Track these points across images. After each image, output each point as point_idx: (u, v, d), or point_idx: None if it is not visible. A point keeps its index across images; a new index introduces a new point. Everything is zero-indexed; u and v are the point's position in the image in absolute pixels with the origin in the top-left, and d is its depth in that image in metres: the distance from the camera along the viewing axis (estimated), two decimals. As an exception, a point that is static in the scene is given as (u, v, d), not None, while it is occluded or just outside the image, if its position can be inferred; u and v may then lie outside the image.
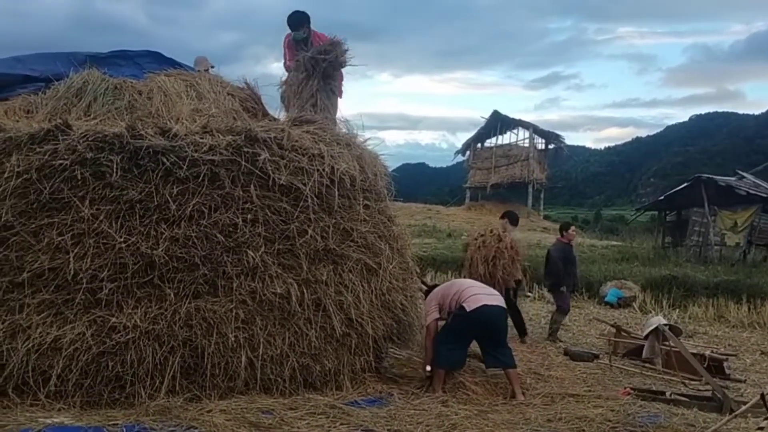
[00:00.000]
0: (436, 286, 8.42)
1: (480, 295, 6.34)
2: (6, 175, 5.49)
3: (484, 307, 6.20)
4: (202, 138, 5.86)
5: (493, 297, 6.43)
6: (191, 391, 5.34)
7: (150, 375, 5.25)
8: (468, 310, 6.20)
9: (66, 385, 5.10)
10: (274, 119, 7.42)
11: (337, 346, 5.98)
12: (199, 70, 8.43)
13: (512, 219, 10.00)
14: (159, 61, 8.10)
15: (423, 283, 8.25)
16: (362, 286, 6.22)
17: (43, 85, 7.23)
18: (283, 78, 8.16)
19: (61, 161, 5.51)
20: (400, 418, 5.26)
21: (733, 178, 22.48)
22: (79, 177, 5.52)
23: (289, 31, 8.12)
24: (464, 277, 8.44)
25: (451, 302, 6.39)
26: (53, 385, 5.07)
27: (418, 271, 8.15)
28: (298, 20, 7.98)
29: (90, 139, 5.63)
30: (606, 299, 14.24)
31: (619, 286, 14.56)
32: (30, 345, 5.09)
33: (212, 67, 8.54)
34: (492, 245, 8.99)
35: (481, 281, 7.56)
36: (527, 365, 7.47)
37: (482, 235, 9.27)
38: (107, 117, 6.55)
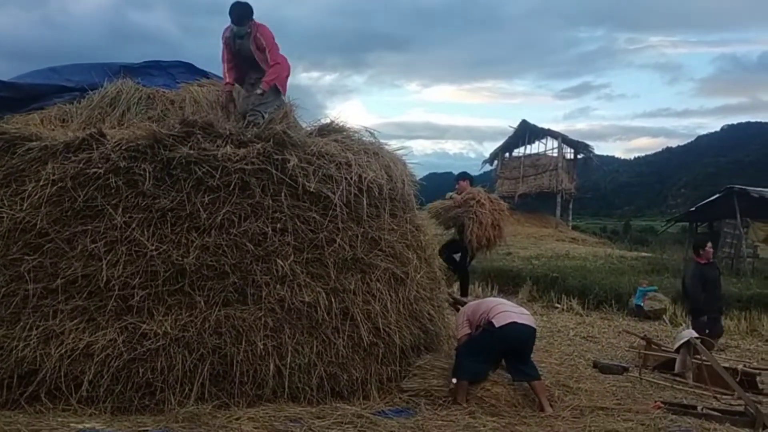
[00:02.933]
0: (462, 301, 8.44)
1: (509, 312, 6.30)
2: (41, 183, 5.61)
3: (513, 324, 6.17)
4: (234, 148, 5.91)
5: (523, 316, 6.37)
6: (220, 398, 5.38)
7: (180, 382, 5.31)
8: (496, 326, 6.16)
9: (97, 391, 5.17)
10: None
11: (364, 356, 5.98)
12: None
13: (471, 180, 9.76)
14: (191, 71, 8.20)
15: (449, 294, 8.24)
16: (390, 295, 6.23)
17: (78, 95, 7.36)
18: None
19: (95, 170, 5.63)
20: (427, 428, 5.25)
21: (766, 190, 22.08)
22: (112, 185, 5.62)
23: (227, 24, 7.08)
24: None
25: (480, 318, 6.38)
26: (85, 391, 5.15)
27: (445, 281, 8.14)
28: (243, 14, 6.90)
29: (123, 148, 5.73)
30: (635, 302, 14.09)
31: (644, 285, 14.49)
32: (63, 351, 5.18)
33: None
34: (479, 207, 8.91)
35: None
36: (555, 377, 7.40)
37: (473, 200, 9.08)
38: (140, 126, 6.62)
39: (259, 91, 6.85)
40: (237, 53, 7.09)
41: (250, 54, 7.04)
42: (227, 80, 7.18)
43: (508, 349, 6.33)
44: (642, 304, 13.94)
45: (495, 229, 8.84)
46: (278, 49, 7.07)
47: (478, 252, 9.21)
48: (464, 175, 9.75)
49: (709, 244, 9.48)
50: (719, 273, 9.63)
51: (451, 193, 9.69)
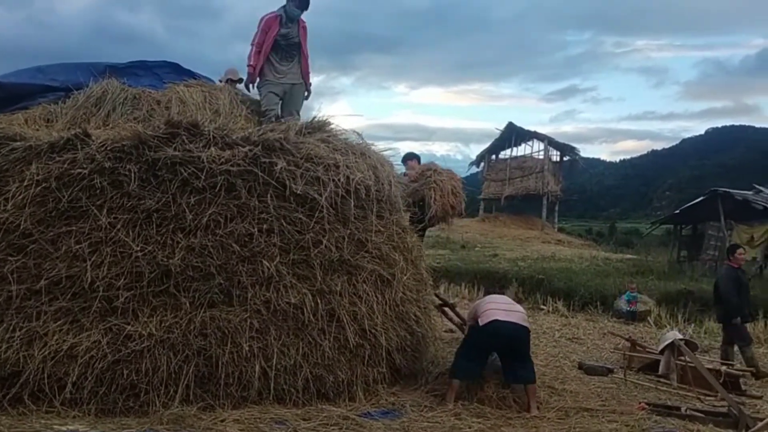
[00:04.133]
0: (448, 303, 8.47)
1: (495, 310, 6.31)
2: (25, 183, 5.56)
3: (495, 322, 6.18)
4: (221, 149, 5.89)
5: (511, 314, 6.34)
6: (205, 400, 5.36)
7: (164, 384, 5.28)
8: (480, 324, 6.24)
9: (81, 393, 5.14)
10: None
11: (350, 357, 5.98)
12: (229, 79, 8.52)
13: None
14: (177, 71, 8.17)
15: (436, 296, 8.24)
16: (376, 297, 6.23)
17: (64, 95, 7.31)
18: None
19: (79, 170, 5.58)
20: (413, 430, 5.26)
21: (749, 192, 22.26)
22: (97, 186, 5.58)
23: (270, 14, 7.66)
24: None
25: (476, 315, 6.44)
26: (68, 393, 5.11)
27: (432, 282, 8.13)
28: (309, 1, 7.73)
29: (108, 148, 5.70)
30: (623, 308, 14.06)
31: (632, 289, 14.46)
32: (46, 352, 5.13)
33: (241, 79, 8.63)
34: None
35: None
36: (541, 379, 7.41)
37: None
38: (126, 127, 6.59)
39: (306, 94, 7.97)
40: (282, 36, 7.64)
41: (297, 40, 7.77)
42: (253, 62, 7.58)
43: (495, 347, 6.37)
44: (629, 309, 13.93)
45: (455, 197, 8.74)
46: None
47: (441, 222, 9.04)
48: (412, 155, 9.48)
49: (741, 249, 9.78)
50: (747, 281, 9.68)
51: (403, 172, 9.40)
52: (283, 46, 7.71)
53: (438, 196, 8.47)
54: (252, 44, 7.61)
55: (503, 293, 7.07)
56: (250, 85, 7.85)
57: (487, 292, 7.45)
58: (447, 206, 8.54)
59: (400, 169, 7.92)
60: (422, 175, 8.80)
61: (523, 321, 6.40)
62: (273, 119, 7.46)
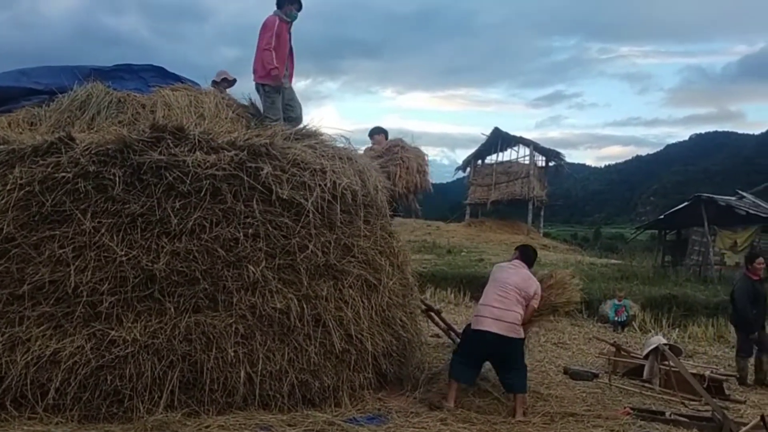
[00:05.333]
0: (433, 308, 8.49)
1: (485, 318, 6.31)
2: (8, 187, 5.50)
3: (480, 333, 6.29)
4: (204, 154, 5.86)
5: (500, 323, 6.24)
6: (190, 406, 5.32)
7: (149, 389, 5.24)
8: (472, 326, 6.44)
9: (64, 399, 5.09)
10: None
11: (336, 363, 5.97)
12: (224, 78, 8.51)
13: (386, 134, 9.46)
14: (163, 75, 8.13)
15: (422, 301, 8.24)
16: (362, 302, 6.23)
17: (48, 98, 7.26)
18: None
19: (63, 174, 5.53)
20: (399, 435, 5.25)
21: (733, 198, 22.46)
22: (81, 190, 5.53)
23: (277, 19, 7.76)
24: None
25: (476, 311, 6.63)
26: (51, 399, 5.06)
27: (418, 288, 8.13)
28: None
29: (93, 152, 5.65)
30: (610, 319, 13.98)
31: (620, 298, 14.36)
32: (29, 358, 5.08)
33: (234, 80, 8.62)
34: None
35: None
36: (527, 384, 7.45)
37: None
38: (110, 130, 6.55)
39: (287, 85, 7.96)
40: (286, 41, 7.85)
41: (291, 44, 7.98)
42: (277, 64, 7.59)
43: (484, 355, 6.46)
44: (617, 318, 13.82)
45: (421, 174, 8.70)
46: None
47: (406, 198, 8.96)
48: (379, 130, 9.41)
49: (761, 260, 9.19)
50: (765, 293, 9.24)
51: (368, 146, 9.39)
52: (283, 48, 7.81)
53: (403, 172, 8.46)
54: (265, 49, 7.58)
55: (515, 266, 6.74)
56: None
57: (472, 298, 7.33)
58: (411, 184, 8.49)
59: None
60: (388, 150, 8.77)
61: (512, 332, 6.27)
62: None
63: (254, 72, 7.74)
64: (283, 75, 7.72)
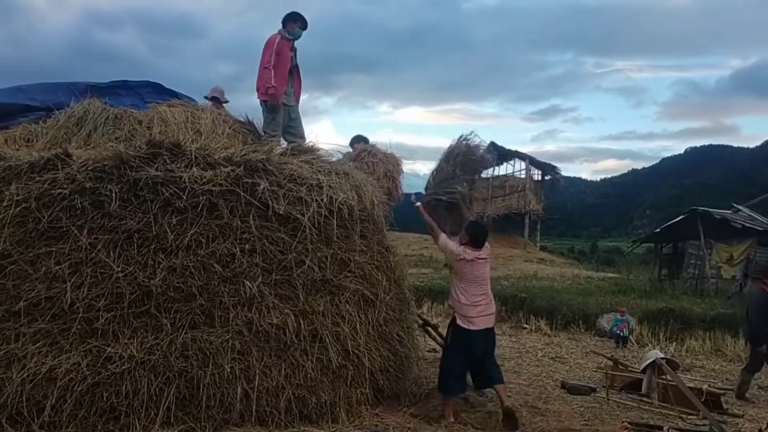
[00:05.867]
0: (430, 323, 8.46)
1: (472, 318, 6.40)
2: (5, 203, 5.51)
3: (471, 333, 6.37)
4: (202, 169, 5.87)
5: (485, 318, 6.46)
6: (186, 422, 5.31)
7: (145, 406, 5.23)
8: (463, 326, 6.41)
9: (60, 416, 5.08)
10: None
11: (333, 378, 5.95)
12: (214, 96, 8.56)
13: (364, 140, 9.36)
14: (159, 91, 8.17)
15: (419, 316, 8.22)
16: (359, 317, 6.22)
17: (44, 114, 7.28)
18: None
19: (60, 190, 5.54)
20: (396, 451, 5.23)
21: (728, 211, 22.47)
22: (78, 206, 5.54)
23: (279, 37, 7.88)
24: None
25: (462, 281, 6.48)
26: (47, 416, 5.05)
27: (415, 302, 8.12)
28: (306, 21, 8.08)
29: (89, 168, 5.66)
30: (615, 333, 13.68)
31: (622, 313, 14.11)
32: (25, 375, 5.08)
33: (226, 101, 8.70)
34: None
35: None
36: (524, 398, 7.43)
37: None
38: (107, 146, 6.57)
39: (291, 103, 8.07)
40: (288, 59, 7.90)
41: (295, 62, 8.11)
42: (275, 83, 7.66)
43: (473, 354, 6.44)
44: (620, 333, 13.55)
45: (390, 180, 8.61)
46: None
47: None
48: (359, 138, 9.35)
49: None
50: None
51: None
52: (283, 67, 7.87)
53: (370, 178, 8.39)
54: (265, 67, 7.69)
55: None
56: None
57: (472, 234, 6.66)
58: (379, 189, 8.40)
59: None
60: (358, 156, 8.74)
61: (493, 321, 6.58)
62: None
63: (257, 89, 7.82)
64: (284, 93, 7.77)
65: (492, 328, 6.57)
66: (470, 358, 6.41)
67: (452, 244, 6.56)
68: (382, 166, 8.60)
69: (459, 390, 6.52)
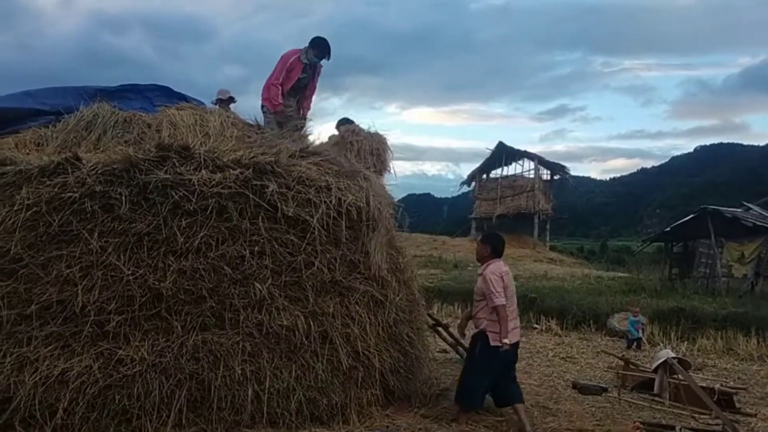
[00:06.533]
0: (441, 323, 8.39)
1: (514, 330, 6.28)
2: (16, 207, 5.53)
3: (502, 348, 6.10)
4: (212, 172, 5.89)
5: (515, 332, 6.31)
6: (197, 424, 5.32)
7: (156, 408, 5.23)
8: (507, 341, 6.07)
9: (72, 419, 5.08)
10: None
11: (343, 380, 5.95)
12: (220, 99, 8.61)
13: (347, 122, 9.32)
14: (168, 94, 8.20)
15: (429, 316, 8.20)
16: (369, 318, 6.21)
17: (54, 119, 7.31)
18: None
19: (70, 194, 5.57)
20: (407, 452, 5.22)
21: (739, 210, 22.37)
22: (88, 210, 5.56)
23: (296, 52, 8.06)
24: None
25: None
26: (60, 419, 5.05)
27: (425, 303, 8.11)
28: (328, 49, 8.22)
29: (99, 172, 5.69)
30: (632, 335, 13.48)
31: (636, 313, 13.93)
32: (37, 378, 5.08)
33: (234, 101, 8.73)
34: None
35: None
36: (535, 398, 7.41)
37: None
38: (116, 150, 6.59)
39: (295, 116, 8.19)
40: (299, 80, 8.08)
41: (306, 82, 8.29)
42: (281, 101, 7.95)
43: (501, 368, 6.28)
44: (639, 335, 13.35)
45: (374, 157, 8.63)
46: None
47: None
48: (345, 121, 9.37)
49: None
50: None
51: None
52: (294, 86, 8.04)
53: (353, 156, 8.36)
54: (273, 83, 7.91)
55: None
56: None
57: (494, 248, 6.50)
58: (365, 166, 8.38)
59: (392, 189, 7.96)
60: (343, 139, 8.79)
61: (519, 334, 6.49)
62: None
63: (262, 96, 8.11)
64: (284, 106, 7.90)
65: (517, 343, 6.41)
66: (496, 374, 6.25)
67: (491, 285, 6.14)
68: (366, 144, 8.60)
69: (480, 405, 6.44)
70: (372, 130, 8.96)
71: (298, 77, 8.09)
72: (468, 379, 6.35)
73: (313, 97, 8.46)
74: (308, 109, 8.42)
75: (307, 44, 8.13)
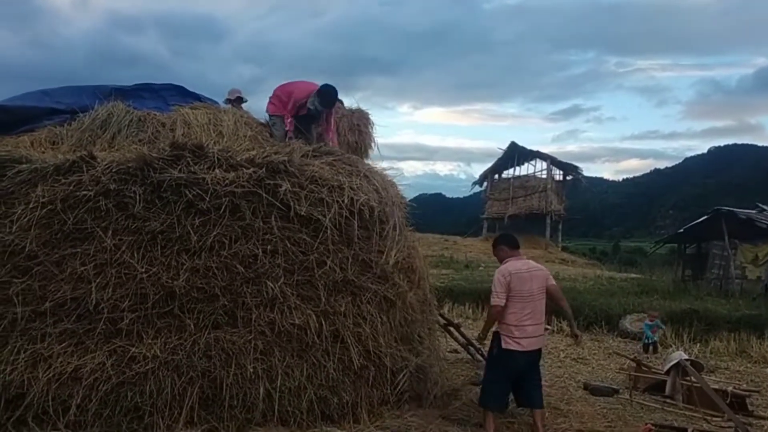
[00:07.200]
0: (453, 323, 8.35)
1: (518, 339, 5.97)
2: (31, 205, 5.58)
3: (513, 354, 5.98)
4: (225, 171, 5.92)
5: (531, 340, 6.02)
6: (209, 422, 5.35)
7: (168, 406, 5.27)
8: (513, 346, 5.97)
9: (85, 415, 5.14)
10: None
11: (355, 379, 5.96)
12: (229, 99, 8.62)
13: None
14: (182, 94, 8.24)
15: (441, 315, 8.20)
16: (380, 318, 6.22)
17: (69, 117, 7.37)
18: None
19: (85, 192, 5.61)
20: (418, 452, 5.23)
21: (753, 211, 22.19)
22: (102, 208, 5.60)
23: (307, 93, 7.87)
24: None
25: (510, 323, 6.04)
26: (73, 415, 5.11)
27: (436, 303, 8.11)
28: (334, 98, 7.91)
29: (114, 170, 5.73)
30: (648, 338, 13.32)
31: (653, 317, 13.70)
32: (51, 374, 5.14)
33: (245, 100, 8.74)
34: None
35: None
36: (546, 400, 7.36)
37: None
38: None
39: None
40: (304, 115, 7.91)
41: (321, 117, 8.03)
42: (289, 128, 7.82)
43: (516, 373, 6.15)
44: (655, 339, 13.15)
45: (354, 133, 8.61)
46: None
47: None
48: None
49: None
50: None
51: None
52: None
53: (334, 137, 8.32)
54: (284, 113, 7.86)
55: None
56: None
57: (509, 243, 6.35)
58: (345, 145, 8.34)
59: (404, 189, 7.94)
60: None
61: (542, 343, 6.17)
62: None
63: (270, 99, 8.05)
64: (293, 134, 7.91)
65: (539, 350, 6.19)
66: (513, 376, 6.13)
67: (493, 285, 6.09)
68: (347, 121, 8.56)
69: (499, 407, 6.21)
70: (354, 106, 8.93)
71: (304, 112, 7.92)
72: (485, 379, 6.37)
73: (333, 133, 8.13)
74: (334, 143, 8.03)
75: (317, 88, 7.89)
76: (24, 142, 6.88)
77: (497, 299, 5.96)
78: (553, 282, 6.30)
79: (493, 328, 6.22)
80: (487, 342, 6.53)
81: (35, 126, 7.26)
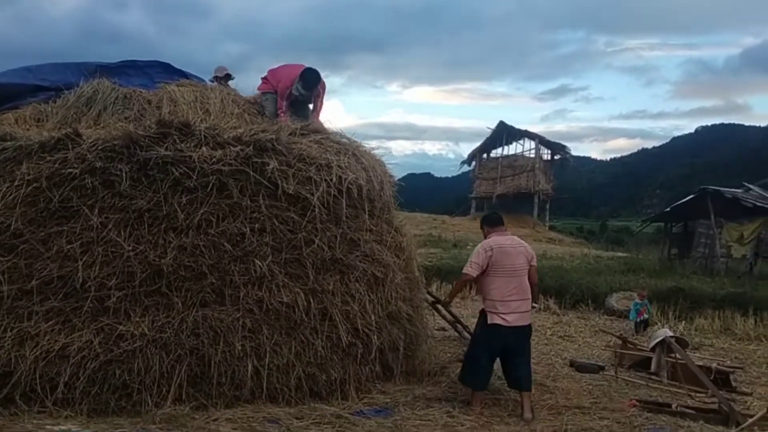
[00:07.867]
0: (440, 300, 8.36)
1: (503, 314, 5.96)
2: (16, 183, 5.54)
3: (498, 328, 5.99)
4: (212, 149, 5.89)
5: (517, 316, 6.00)
6: (198, 399, 5.36)
7: (157, 383, 5.27)
8: (499, 322, 5.98)
9: (73, 393, 5.13)
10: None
11: (343, 356, 5.99)
12: (217, 76, 8.54)
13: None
14: (168, 71, 8.16)
15: (429, 293, 8.23)
16: (368, 296, 6.24)
17: (54, 95, 7.29)
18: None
19: (70, 170, 5.57)
20: (405, 428, 5.27)
21: (739, 190, 22.32)
22: (88, 186, 5.56)
23: (292, 79, 7.77)
24: None
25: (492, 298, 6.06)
26: (60, 393, 5.10)
27: (424, 281, 8.13)
28: (315, 81, 7.80)
29: (100, 148, 5.68)
30: (632, 319, 13.34)
31: (642, 297, 13.71)
32: (38, 352, 5.12)
33: (232, 78, 8.65)
34: None
35: None
36: (533, 377, 7.44)
37: None
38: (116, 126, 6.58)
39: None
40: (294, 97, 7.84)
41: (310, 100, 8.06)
42: (284, 110, 7.75)
43: (501, 349, 6.13)
44: (639, 319, 13.16)
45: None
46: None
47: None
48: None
49: None
50: None
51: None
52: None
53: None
54: (280, 97, 7.79)
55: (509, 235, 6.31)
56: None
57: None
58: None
59: (393, 168, 7.90)
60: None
61: (528, 318, 6.13)
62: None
63: (263, 78, 7.98)
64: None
65: (528, 326, 6.15)
66: (497, 353, 6.12)
67: (475, 254, 6.13)
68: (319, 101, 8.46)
69: (479, 384, 6.16)
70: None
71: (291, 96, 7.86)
72: (466, 355, 6.44)
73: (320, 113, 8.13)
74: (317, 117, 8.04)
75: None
76: (8, 119, 6.80)
77: (470, 269, 6.08)
78: (535, 264, 6.32)
79: (481, 306, 6.25)
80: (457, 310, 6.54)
81: (19, 103, 7.18)
